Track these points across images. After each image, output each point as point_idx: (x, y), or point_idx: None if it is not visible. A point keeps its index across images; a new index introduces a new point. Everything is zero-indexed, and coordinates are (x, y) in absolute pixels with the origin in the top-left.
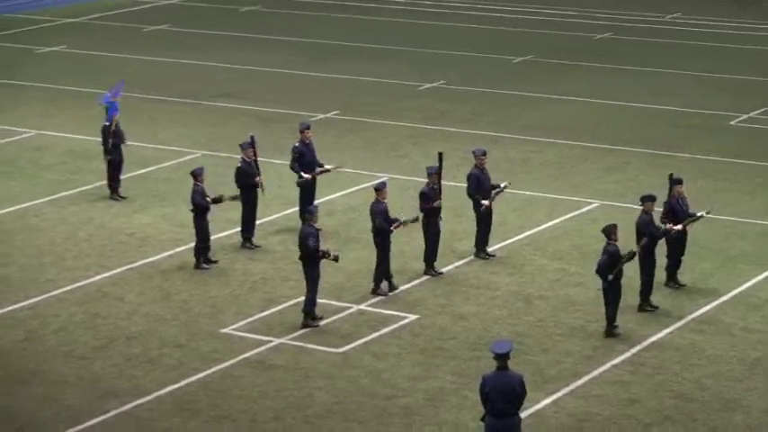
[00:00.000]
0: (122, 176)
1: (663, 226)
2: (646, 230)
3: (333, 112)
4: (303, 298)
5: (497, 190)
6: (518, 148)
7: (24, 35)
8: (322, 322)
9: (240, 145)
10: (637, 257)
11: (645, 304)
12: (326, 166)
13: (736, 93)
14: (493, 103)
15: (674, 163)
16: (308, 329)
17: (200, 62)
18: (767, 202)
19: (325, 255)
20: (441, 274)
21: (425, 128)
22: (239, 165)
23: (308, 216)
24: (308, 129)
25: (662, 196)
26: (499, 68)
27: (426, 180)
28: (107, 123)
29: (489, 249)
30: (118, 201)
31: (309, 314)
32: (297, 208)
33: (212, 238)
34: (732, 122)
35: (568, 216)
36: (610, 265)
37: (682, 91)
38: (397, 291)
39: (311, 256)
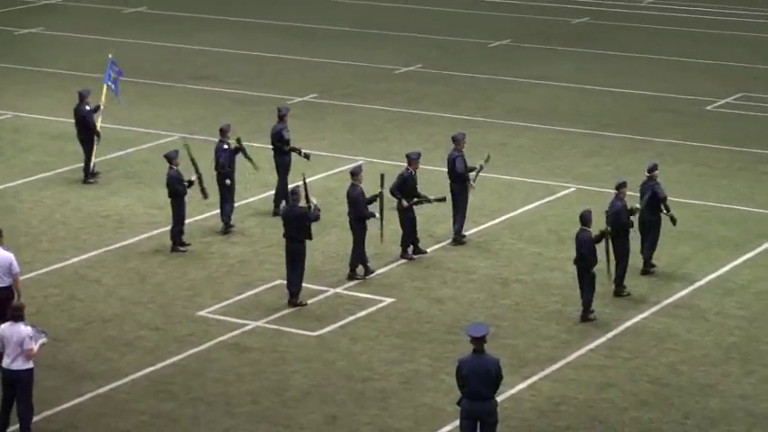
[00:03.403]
0: (99, 158)
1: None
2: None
3: (310, 96)
4: (280, 281)
5: (477, 170)
6: (495, 132)
7: (2, 16)
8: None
9: (221, 129)
10: (611, 244)
11: (620, 290)
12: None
13: (713, 78)
14: (470, 87)
15: (651, 147)
16: (284, 312)
17: (178, 45)
18: (745, 187)
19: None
20: (425, 252)
21: (404, 111)
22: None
23: (293, 196)
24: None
25: (638, 181)
26: (476, 52)
27: (406, 165)
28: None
29: (467, 233)
30: (93, 182)
31: (295, 295)
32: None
33: (189, 220)
34: (709, 108)
35: (545, 200)
36: (589, 253)
37: (659, 76)
38: (372, 275)
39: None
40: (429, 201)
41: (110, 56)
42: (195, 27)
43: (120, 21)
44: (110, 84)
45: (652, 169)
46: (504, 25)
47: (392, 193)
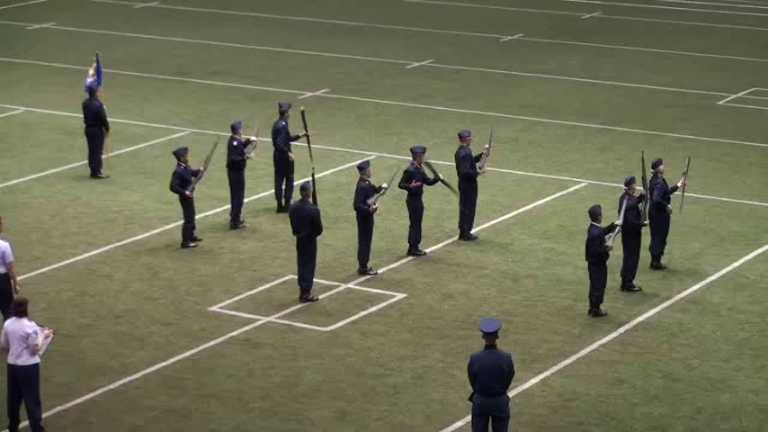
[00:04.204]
0: (111, 154)
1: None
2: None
3: (322, 90)
4: (292, 276)
5: (484, 154)
6: (507, 128)
7: (14, 12)
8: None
9: (232, 125)
10: (621, 238)
11: (628, 285)
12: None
13: (725, 72)
14: (482, 82)
15: (662, 143)
16: (296, 307)
17: (190, 39)
18: (757, 182)
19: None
20: (424, 254)
21: (415, 106)
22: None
23: (303, 192)
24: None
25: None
26: (487, 47)
27: (411, 159)
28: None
29: (474, 230)
30: (104, 177)
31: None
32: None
33: (200, 216)
34: (721, 102)
35: (557, 195)
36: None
37: (671, 70)
38: (369, 275)
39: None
40: (432, 182)
41: (95, 56)
42: (206, 22)
43: (132, 16)
44: (92, 80)
45: (656, 164)
46: (516, 20)
47: (401, 187)
